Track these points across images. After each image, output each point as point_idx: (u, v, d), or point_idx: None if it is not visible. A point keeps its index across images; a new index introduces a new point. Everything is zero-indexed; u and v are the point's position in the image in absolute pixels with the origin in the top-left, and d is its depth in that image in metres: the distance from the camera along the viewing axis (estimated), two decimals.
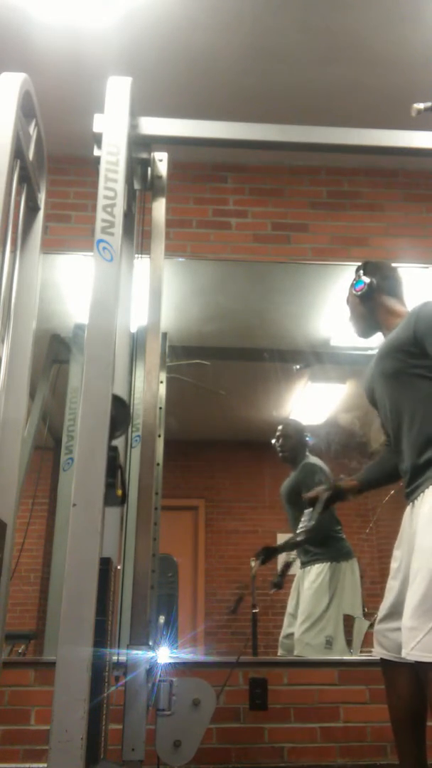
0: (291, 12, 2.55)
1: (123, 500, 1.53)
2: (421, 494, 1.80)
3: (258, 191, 3.31)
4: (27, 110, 1.61)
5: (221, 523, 3.62)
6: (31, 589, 3.18)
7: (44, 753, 1.28)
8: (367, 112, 2.89)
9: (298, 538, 2.20)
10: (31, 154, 1.66)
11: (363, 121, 2.00)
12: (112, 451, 1.37)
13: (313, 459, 3.26)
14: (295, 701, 2.51)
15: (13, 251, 1.64)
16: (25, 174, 1.65)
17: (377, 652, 1.90)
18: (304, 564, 3.01)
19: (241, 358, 3.57)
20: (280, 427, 3.37)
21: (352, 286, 2.16)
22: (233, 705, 2.46)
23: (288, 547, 2.32)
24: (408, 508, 1.90)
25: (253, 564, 2.16)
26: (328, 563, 2.91)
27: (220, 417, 3.70)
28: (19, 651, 2.78)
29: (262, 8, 2.53)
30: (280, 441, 3.34)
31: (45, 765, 1.13)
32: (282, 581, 2.07)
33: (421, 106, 1.90)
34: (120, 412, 1.45)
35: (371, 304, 2.12)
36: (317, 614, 2.86)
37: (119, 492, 1.43)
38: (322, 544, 2.89)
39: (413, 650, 1.62)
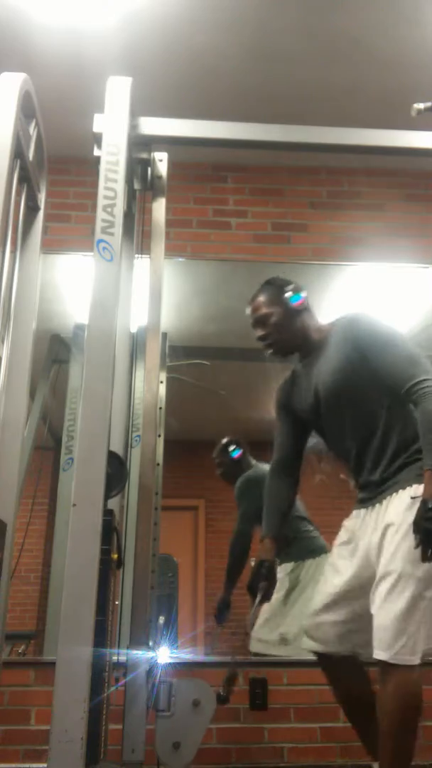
0: (291, 12, 2.55)
1: (119, 565, 1.54)
2: (391, 495, 1.81)
3: (258, 191, 3.31)
4: (27, 110, 1.61)
5: (221, 523, 3.61)
6: (31, 589, 3.17)
7: (44, 753, 1.28)
8: (367, 112, 2.88)
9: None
10: (31, 154, 1.66)
11: (363, 121, 2.00)
12: (107, 515, 1.37)
13: (250, 471, 3.19)
14: (295, 701, 2.51)
15: (13, 251, 1.64)
16: (25, 174, 1.65)
17: (309, 646, 1.90)
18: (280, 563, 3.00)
19: (241, 358, 3.56)
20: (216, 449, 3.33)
21: (286, 301, 2.02)
22: (233, 705, 2.45)
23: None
24: (365, 510, 1.90)
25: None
26: (293, 562, 2.91)
27: (220, 417, 3.70)
28: (19, 651, 2.78)
29: (263, 9, 2.53)
30: (216, 461, 3.30)
31: (45, 765, 1.13)
32: (228, 697, 2.00)
33: (421, 106, 1.90)
34: (116, 469, 1.47)
35: (302, 320, 2.03)
36: (272, 610, 2.84)
37: (115, 556, 1.45)
38: (290, 545, 2.89)
39: (397, 654, 1.63)
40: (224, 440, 3.30)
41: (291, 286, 2.05)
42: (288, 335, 2.04)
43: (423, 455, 1.72)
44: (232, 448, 3.27)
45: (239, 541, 3.09)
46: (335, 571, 1.92)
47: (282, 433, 2.15)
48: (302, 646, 1.95)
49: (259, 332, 2.05)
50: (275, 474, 2.15)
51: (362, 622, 1.79)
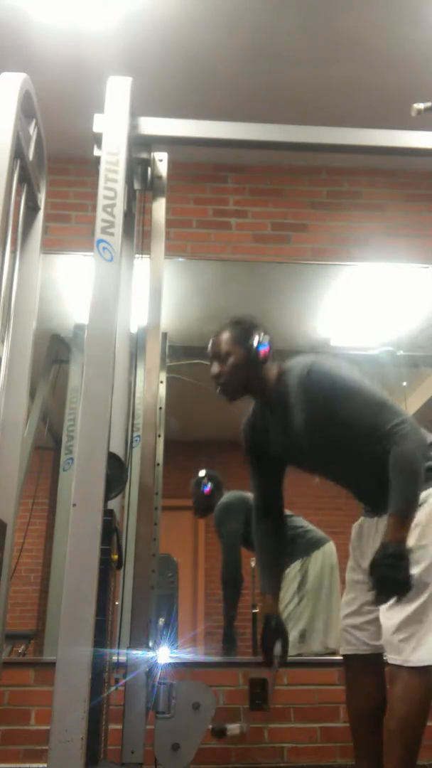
0: (291, 12, 2.54)
1: (119, 565, 1.55)
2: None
3: (258, 191, 3.31)
4: (27, 110, 1.61)
5: None
6: (31, 589, 3.17)
7: (44, 753, 1.27)
8: (367, 112, 2.88)
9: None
10: (31, 154, 1.66)
11: (363, 121, 2.00)
12: (108, 515, 1.38)
13: (224, 498, 3.19)
14: (295, 701, 2.51)
15: (13, 251, 1.64)
16: (25, 174, 1.65)
17: (345, 651, 1.91)
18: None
19: None
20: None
21: (250, 347, 1.89)
22: (233, 705, 2.46)
23: None
24: (369, 520, 1.91)
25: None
26: (299, 559, 2.92)
27: (220, 417, 3.69)
28: (19, 651, 2.78)
29: (262, 9, 2.53)
30: (191, 491, 3.30)
31: (45, 765, 1.13)
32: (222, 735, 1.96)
33: (421, 106, 1.90)
34: (116, 471, 1.47)
35: (264, 369, 1.91)
36: (289, 609, 2.85)
37: (115, 556, 1.46)
38: (291, 544, 2.90)
39: (412, 656, 1.65)
40: (201, 473, 3.33)
41: (260, 333, 1.92)
42: (243, 379, 1.92)
43: (390, 498, 1.69)
44: (204, 482, 3.28)
45: (230, 565, 3.11)
46: (350, 583, 1.95)
47: (256, 476, 2.09)
48: (341, 651, 1.94)
49: (214, 368, 1.94)
50: (260, 519, 2.08)
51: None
